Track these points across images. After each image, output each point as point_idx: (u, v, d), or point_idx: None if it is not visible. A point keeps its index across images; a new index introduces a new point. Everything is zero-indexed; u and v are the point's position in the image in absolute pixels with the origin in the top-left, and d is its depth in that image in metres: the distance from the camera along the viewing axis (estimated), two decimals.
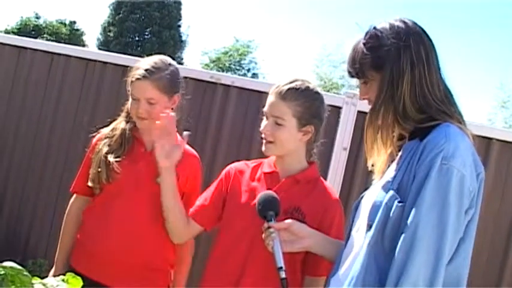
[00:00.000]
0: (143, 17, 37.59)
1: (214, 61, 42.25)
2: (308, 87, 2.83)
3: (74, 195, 3.44)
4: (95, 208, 3.26)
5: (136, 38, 37.90)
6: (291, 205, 2.72)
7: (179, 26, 39.43)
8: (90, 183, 3.24)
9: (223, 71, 39.21)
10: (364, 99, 2.30)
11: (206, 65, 41.70)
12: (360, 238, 2.19)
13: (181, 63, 30.87)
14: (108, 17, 38.51)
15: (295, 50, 75.78)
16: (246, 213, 2.76)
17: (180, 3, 39.39)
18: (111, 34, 37.53)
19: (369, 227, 2.08)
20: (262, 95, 4.75)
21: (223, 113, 5.02)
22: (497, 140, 4.48)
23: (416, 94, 2.12)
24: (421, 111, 2.12)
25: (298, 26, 75.52)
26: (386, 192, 2.07)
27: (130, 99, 3.20)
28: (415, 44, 2.15)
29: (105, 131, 3.35)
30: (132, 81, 3.13)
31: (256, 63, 43.28)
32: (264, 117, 2.84)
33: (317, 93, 2.87)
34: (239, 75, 39.84)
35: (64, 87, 5.63)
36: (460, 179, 1.95)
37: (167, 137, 2.92)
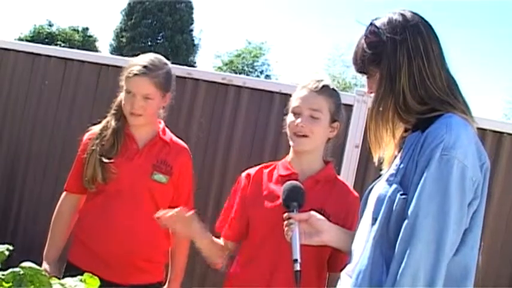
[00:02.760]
0: (155, 22, 37.77)
1: (227, 64, 42.30)
2: (334, 87, 2.93)
3: (65, 193, 3.47)
4: (94, 206, 3.29)
5: (149, 43, 38.00)
6: (314, 207, 2.68)
7: (191, 30, 39.58)
8: (86, 185, 3.28)
9: (236, 73, 39.09)
10: (370, 93, 2.28)
11: (219, 68, 41.79)
12: (365, 231, 2.20)
13: (195, 67, 30.91)
14: (121, 22, 38.71)
15: (307, 50, 75.80)
16: (271, 216, 2.76)
17: (191, 8, 39.52)
18: (124, 40, 37.72)
19: (374, 220, 2.09)
20: (273, 95, 4.82)
21: (236, 113, 5.01)
22: (509, 134, 4.47)
23: (417, 86, 2.12)
24: (422, 103, 2.12)
25: (310, 27, 75.51)
26: (390, 185, 2.07)
27: (123, 95, 3.25)
28: (412, 37, 2.15)
29: (95, 129, 3.37)
30: (128, 77, 3.17)
31: (269, 65, 43.43)
32: (290, 115, 2.86)
33: (337, 91, 2.96)
34: (252, 77, 39.87)
35: (78, 92, 5.67)
36: (462, 170, 1.94)
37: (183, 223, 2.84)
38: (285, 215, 2.53)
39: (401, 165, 2.08)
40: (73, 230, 3.44)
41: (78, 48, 30.71)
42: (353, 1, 72.35)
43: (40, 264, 2.47)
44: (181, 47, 37.65)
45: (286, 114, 2.93)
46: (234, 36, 76.41)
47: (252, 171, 3.02)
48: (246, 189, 2.95)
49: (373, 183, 2.34)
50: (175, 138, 3.48)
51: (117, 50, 37.31)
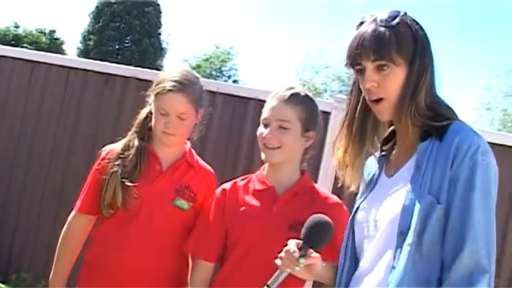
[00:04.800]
0: (123, 25, 37.53)
1: (194, 68, 42.01)
2: (307, 94, 2.81)
3: (76, 213, 3.17)
4: (109, 230, 3.05)
5: (117, 47, 37.84)
6: (295, 220, 2.62)
7: (159, 33, 39.41)
8: (103, 209, 3.03)
9: (203, 78, 39.26)
10: (370, 87, 2.09)
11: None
12: (375, 251, 2.09)
13: (161, 71, 30.84)
14: (88, 25, 38.42)
15: (276, 56, 75.94)
16: (251, 234, 2.69)
17: (160, 11, 39.41)
18: (91, 43, 37.43)
19: (401, 233, 1.97)
20: (248, 101, 4.72)
21: (209, 120, 4.85)
22: None
23: (432, 90, 2.09)
24: (428, 108, 2.06)
25: (279, 32, 75.67)
26: (417, 196, 1.96)
27: (154, 114, 3.00)
28: (429, 43, 2.13)
29: (116, 148, 3.11)
30: (161, 94, 2.94)
31: (237, 70, 43.43)
32: (261, 126, 2.76)
33: (313, 100, 2.85)
34: (226, 83, 39.98)
35: (46, 96, 5.54)
36: (495, 173, 1.99)
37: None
38: (297, 254, 2.19)
39: (426, 175, 1.98)
40: (84, 254, 3.16)
41: (44, 51, 30.49)
42: (323, 7, 72.79)
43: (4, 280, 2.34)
44: (149, 51, 37.48)
45: None
46: (202, 40, 76.54)
47: (227, 186, 2.90)
48: (224, 206, 2.84)
49: (357, 203, 2.29)
50: (201, 162, 3.24)
51: (85, 53, 36.98)
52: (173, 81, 2.93)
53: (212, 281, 2.83)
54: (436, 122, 2.04)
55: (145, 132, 3.10)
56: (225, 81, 40.08)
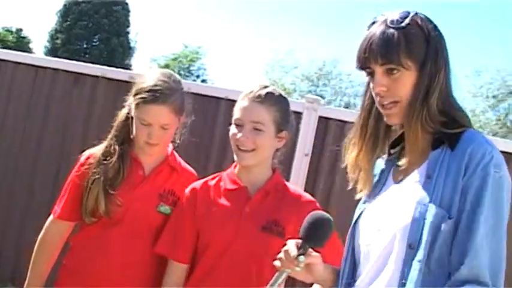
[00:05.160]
0: (91, 24, 37.35)
1: (162, 67, 42.03)
2: (281, 93, 2.76)
3: (53, 219, 3.07)
4: (90, 236, 2.97)
5: (85, 45, 37.64)
6: (268, 219, 2.61)
7: (128, 32, 39.28)
8: (85, 217, 2.93)
9: None
10: (379, 91, 2.02)
11: None
12: (380, 260, 2.00)
13: (130, 70, 30.73)
14: (56, 24, 38.13)
15: (245, 55, 76.03)
16: (224, 235, 2.64)
17: (128, 10, 39.27)
18: (59, 41, 37.17)
19: (410, 246, 1.88)
20: (219, 101, 4.68)
21: None
22: None
23: (445, 94, 2.00)
24: (441, 113, 1.98)
25: (248, 32, 75.80)
26: (428, 208, 1.87)
27: (135, 122, 2.89)
28: (444, 43, 2.05)
29: (95, 153, 3.02)
30: (142, 104, 2.83)
31: (205, 69, 43.39)
32: (233, 126, 2.69)
33: (287, 99, 2.79)
34: (197, 82, 39.91)
35: (12, 95, 5.46)
36: (508, 187, 1.90)
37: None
38: (295, 252, 2.08)
39: (436, 185, 1.90)
40: (63, 259, 3.08)
41: (11, 49, 30.16)
42: (292, 7, 72.97)
43: None
44: (117, 50, 37.28)
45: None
46: (171, 39, 76.15)
47: (197, 185, 2.84)
48: (194, 207, 2.78)
49: (362, 208, 2.18)
50: (184, 164, 3.15)
51: (52, 51, 36.69)
52: (155, 91, 2.82)
53: (185, 282, 2.78)
54: (448, 128, 1.97)
55: (125, 135, 3.00)
56: (194, 80, 40.02)
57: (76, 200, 2.98)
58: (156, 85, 2.84)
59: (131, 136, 2.98)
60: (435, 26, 2.04)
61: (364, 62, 2.01)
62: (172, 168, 3.05)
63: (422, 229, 1.85)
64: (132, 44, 39.91)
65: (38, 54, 36.43)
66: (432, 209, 1.86)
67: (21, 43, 37.31)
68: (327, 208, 4.21)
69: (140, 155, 2.99)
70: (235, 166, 2.79)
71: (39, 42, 61.22)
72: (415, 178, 2.00)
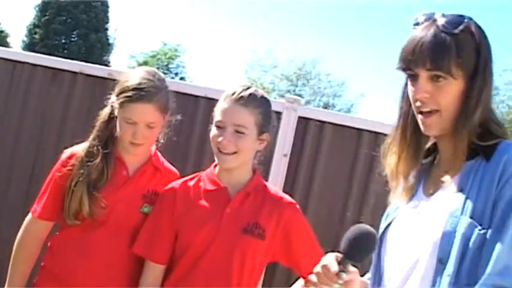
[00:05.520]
0: (70, 19, 37.12)
1: (141, 65, 41.87)
2: (263, 94, 2.74)
3: (32, 218, 3.04)
4: (72, 238, 2.94)
5: (63, 41, 37.32)
6: (249, 221, 2.62)
7: (106, 28, 39.11)
8: (67, 219, 2.90)
9: None
10: (421, 98, 1.95)
11: (133, 68, 41.42)
12: (416, 279, 1.92)
13: (109, 67, 30.61)
14: (34, 18, 37.80)
15: (225, 54, 75.92)
16: (205, 237, 2.63)
17: (107, 6, 39.10)
18: (37, 36, 36.86)
19: (440, 261, 1.83)
20: (198, 99, 4.65)
21: None
22: None
23: (486, 108, 1.94)
24: (480, 125, 1.93)
25: (227, 31, 75.67)
26: (459, 221, 1.82)
27: (119, 121, 2.88)
28: (491, 53, 1.98)
29: (78, 152, 2.98)
30: (127, 102, 2.81)
31: (184, 67, 43.53)
32: (215, 128, 2.68)
33: (269, 100, 2.78)
34: (176, 80, 39.85)
35: None
36: None
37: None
38: (336, 269, 1.92)
39: (470, 196, 1.84)
40: (42, 260, 3.06)
41: None
42: (272, 6, 72.97)
43: None
44: (96, 46, 37.09)
45: (212, 122, 2.76)
46: (150, 36, 76.11)
47: (176, 185, 2.84)
48: (173, 207, 2.76)
49: (391, 217, 2.12)
50: (166, 164, 3.17)
51: (30, 46, 36.40)
52: (140, 89, 2.80)
53: (164, 282, 2.76)
54: (482, 141, 1.91)
55: (108, 135, 2.98)
56: (172, 78, 40.01)
57: (57, 200, 2.95)
58: (141, 83, 2.82)
59: (115, 135, 2.96)
60: (486, 37, 1.96)
61: (409, 64, 1.94)
62: (155, 168, 3.04)
63: (453, 242, 1.80)
64: (110, 41, 39.74)
65: (16, 49, 36.18)
66: (464, 221, 1.80)
67: None
68: (306, 209, 4.21)
69: (124, 155, 2.97)
70: (215, 166, 2.78)
71: (16, 37, 60.88)
72: (447, 191, 1.94)
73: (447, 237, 1.82)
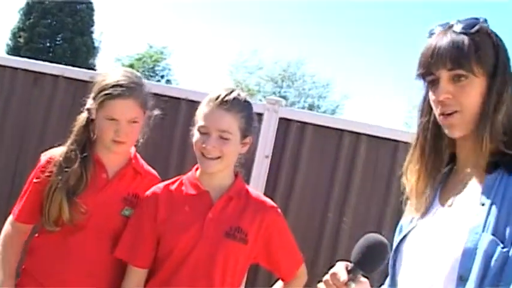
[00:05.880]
0: (55, 23, 37.03)
1: (127, 67, 41.90)
2: (245, 97, 2.75)
3: (13, 221, 3.05)
4: (52, 242, 2.93)
5: (48, 44, 37.20)
6: (231, 226, 2.65)
7: (92, 32, 39.03)
8: (47, 226, 2.90)
9: None
10: (444, 99, 1.92)
11: None
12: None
13: (94, 70, 30.54)
14: (18, 22, 37.66)
15: (210, 56, 75.90)
16: (188, 242, 2.64)
17: (92, 9, 39.00)
18: (22, 40, 36.73)
19: (461, 278, 1.78)
20: (179, 101, 4.65)
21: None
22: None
23: (510, 112, 1.91)
24: (504, 133, 1.90)
25: (213, 33, 75.66)
26: (481, 238, 1.77)
27: (100, 121, 2.89)
28: (509, 57, 1.97)
29: (56, 155, 2.97)
30: (107, 100, 2.82)
31: (170, 70, 43.49)
32: (198, 133, 2.69)
33: (251, 103, 2.80)
34: (152, 81, 39.74)
35: None
36: None
37: None
38: (345, 277, 1.87)
39: (491, 212, 1.80)
40: (23, 263, 3.07)
41: None
42: (257, 8, 73.03)
43: None
44: (81, 49, 37.01)
45: (193, 125, 2.77)
46: (135, 39, 75.97)
47: (158, 189, 2.85)
48: (155, 211, 2.77)
49: (407, 230, 2.09)
50: (146, 167, 3.16)
51: (14, 50, 36.30)
52: (120, 85, 2.83)
53: (146, 286, 2.78)
54: (508, 148, 1.87)
55: (85, 139, 2.97)
56: (158, 81, 39.98)
57: (35, 204, 2.96)
58: (119, 80, 2.85)
59: (93, 139, 2.97)
60: (500, 39, 1.95)
61: (429, 68, 1.93)
62: (135, 171, 3.04)
63: (474, 259, 1.76)
64: (96, 44, 39.65)
65: (0, 52, 36.07)
66: (486, 238, 1.76)
67: None
68: (286, 211, 4.23)
69: (103, 157, 2.96)
70: (196, 169, 2.80)
71: (0, 41, 60.65)
72: (466, 203, 1.90)
73: (468, 254, 1.78)
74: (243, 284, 3.92)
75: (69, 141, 2.99)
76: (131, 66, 40.34)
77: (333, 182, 4.35)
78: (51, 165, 2.94)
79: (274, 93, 35.80)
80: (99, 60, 39.77)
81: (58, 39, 37.54)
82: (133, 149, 3.10)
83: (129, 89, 2.83)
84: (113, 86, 2.83)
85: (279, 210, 2.90)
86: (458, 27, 1.91)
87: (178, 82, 42.29)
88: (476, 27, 1.90)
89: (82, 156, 2.91)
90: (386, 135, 4.22)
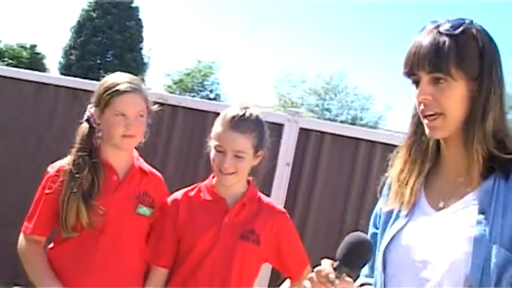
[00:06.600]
0: (105, 40, 37.39)
1: (176, 83, 42.18)
2: (257, 115, 2.88)
3: (27, 236, 2.98)
4: (70, 248, 2.91)
5: (98, 61, 37.69)
6: (245, 229, 2.85)
7: (141, 48, 39.33)
8: (65, 233, 2.86)
9: (186, 92, 39.32)
10: (423, 100, 1.87)
11: (169, 86, 41.74)
12: None
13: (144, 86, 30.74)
14: (70, 40, 38.16)
15: (255, 70, 76.08)
16: (204, 244, 2.84)
17: (141, 26, 39.28)
18: (73, 57, 37.21)
19: (470, 287, 1.71)
20: (208, 114, 4.93)
21: (171, 132, 5.19)
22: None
23: (500, 117, 1.84)
24: (494, 138, 1.84)
25: (258, 47, 75.81)
26: (488, 248, 1.71)
27: (109, 120, 2.89)
28: (499, 59, 1.89)
29: (65, 168, 2.94)
30: (116, 95, 2.86)
31: (218, 84, 43.58)
32: (215, 151, 2.84)
33: (262, 120, 2.92)
34: (202, 96, 39.94)
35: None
36: None
37: None
38: (332, 275, 1.86)
39: (495, 220, 1.74)
40: None
41: (25, 65, 30.25)
42: (300, 25, 73.03)
43: None
44: (131, 65, 36.95)
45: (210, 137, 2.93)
46: (184, 55, 76.27)
47: (178, 196, 3.02)
48: (176, 215, 2.95)
49: (394, 229, 2.00)
50: (150, 167, 3.17)
51: (66, 67, 36.77)
52: (125, 82, 2.90)
53: (167, 284, 2.96)
54: (503, 152, 1.81)
55: (90, 146, 2.98)
56: (207, 95, 40.12)
57: (49, 215, 2.94)
58: (122, 79, 2.94)
59: (97, 145, 3.00)
60: (491, 40, 1.88)
61: (411, 68, 1.87)
62: (142, 171, 3.08)
63: (483, 269, 1.70)
64: (145, 60, 39.91)
65: (52, 70, 36.70)
66: (493, 250, 1.70)
67: (35, 59, 37.48)
68: (307, 213, 4.51)
69: (111, 161, 2.98)
70: (213, 177, 2.97)
71: (53, 58, 61.41)
72: (462, 208, 1.84)
73: (477, 265, 1.71)
74: (266, 284, 4.14)
75: (73, 150, 2.99)
76: (181, 81, 40.75)
77: (350, 187, 4.60)
78: (61, 174, 2.94)
79: (317, 105, 35.90)
80: (148, 76, 39.95)
81: (108, 56, 37.84)
82: (135, 152, 3.14)
83: (134, 85, 2.91)
84: (119, 84, 2.89)
85: (287, 214, 3.06)
86: (443, 28, 1.84)
87: (227, 96, 42.62)
88: (460, 29, 1.82)
89: (91, 162, 2.93)
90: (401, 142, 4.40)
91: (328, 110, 36.67)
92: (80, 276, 2.86)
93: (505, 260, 1.68)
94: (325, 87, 37.22)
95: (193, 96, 39.18)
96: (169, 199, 3.02)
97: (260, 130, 2.86)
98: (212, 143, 2.86)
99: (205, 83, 42.80)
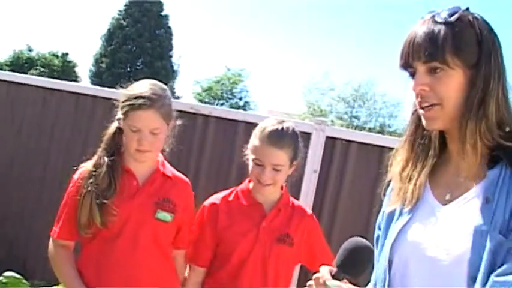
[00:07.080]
0: (135, 48, 37.59)
1: (206, 90, 42.24)
2: (293, 128, 3.02)
3: (55, 241, 3.04)
4: (91, 255, 2.96)
5: (128, 69, 37.91)
6: (281, 233, 3.03)
7: (171, 56, 39.52)
8: (80, 230, 2.91)
9: (215, 99, 39.49)
10: (420, 91, 1.82)
11: (198, 94, 41.91)
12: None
13: (174, 93, 30.95)
14: (100, 48, 38.41)
15: (285, 77, 76.04)
16: (243, 247, 3.00)
17: (171, 34, 39.44)
18: (103, 65, 37.46)
19: (472, 279, 1.67)
20: (238, 123, 5.16)
21: (203, 141, 5.38)
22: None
23: (503, 106, 1.79)
24: (498, 126, 1.78)
25: (287, 55, 75.83)
26: (487, 235, 1.68)
27: (126, 131, 2.89)
28: (500, 47, 1.84)
29: (87, 166, 2.99)
30: (131, 110, 2.83)
31: (247, 91, 43.61)
32: (254, 163, 2.96)
33: (297, 132, 3.05)
34: (231, 103, 39.99)
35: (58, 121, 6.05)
36: None
37: None
38: (327, 282, 1.84)
39: (497, 211, 1.71)
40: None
41: (57, 73, 30.57)
42: (329, 32, 73.01)
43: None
44: (161, 73, 36.87)
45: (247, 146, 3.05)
46: (214, 62, 76.36)
47: (217, 200, 3.13)
48: (216, 222, 3.07)
49: (398, 226, 1.95)
50: (175, 172, 3.16)
51: (97, 75, 37.10)
52: (142, 97, 2.83)
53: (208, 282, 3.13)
54: (507, 141, 1.77)
55: (115, 148, 2.99)
56: (236, 103, 40.17)
57: (73, 219, 2.95)
58: (142, 92, 2.86)
59: (122, 149, 3.00)
60: (490, 28, 1.83)
61: (407, 59, 1.82)
62: (165, 176, 3.06)
63: (481, 259, 1.67)
64: (175, 67, 40.15)
65: (83, 78, 36.96)
66: (491, 237, 1.67)
67: (67, 67, 37.73)
68: (334, 218, 4.74)
69: (132, 165, 2.99)
70: (249, 181, 3.13)
71: (84, 66, 61.75)
72: (469, 200, 1.80)
73: (477, 255, 1.68)
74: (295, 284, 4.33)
75: (99, 150, 3.02)
76: (210, 88, 40.78)
77: (375, 194, 4.69)
78: (83, 174, 2.98)
79: (345, 113, 35.64)
80: (178, 84, 40.07)
81: (138, 64, 37.99)
82: (161, 157, 3.12)
83: (150, 100, 2.83)
84: (136, 97, 2.83)
85: (315, 216, 3.27)
86: (439, 16, 1.80)
87: (256, 103, 42.69)
88: (455, 16, 1.78)
89: (109, 161, 2.93)
90: None
91: (356, 117, 36.45)
92: (98, 278, 2.92)
93: (499, 247, 1.64)
94: (354, 95, 37.23)
95: (222, 104, 39.37)
96: (208, 203, 3.14)
97: (296, 143, 3.00)
98: (250, 156, 2.99)
99: (234, 90, 42.83)
